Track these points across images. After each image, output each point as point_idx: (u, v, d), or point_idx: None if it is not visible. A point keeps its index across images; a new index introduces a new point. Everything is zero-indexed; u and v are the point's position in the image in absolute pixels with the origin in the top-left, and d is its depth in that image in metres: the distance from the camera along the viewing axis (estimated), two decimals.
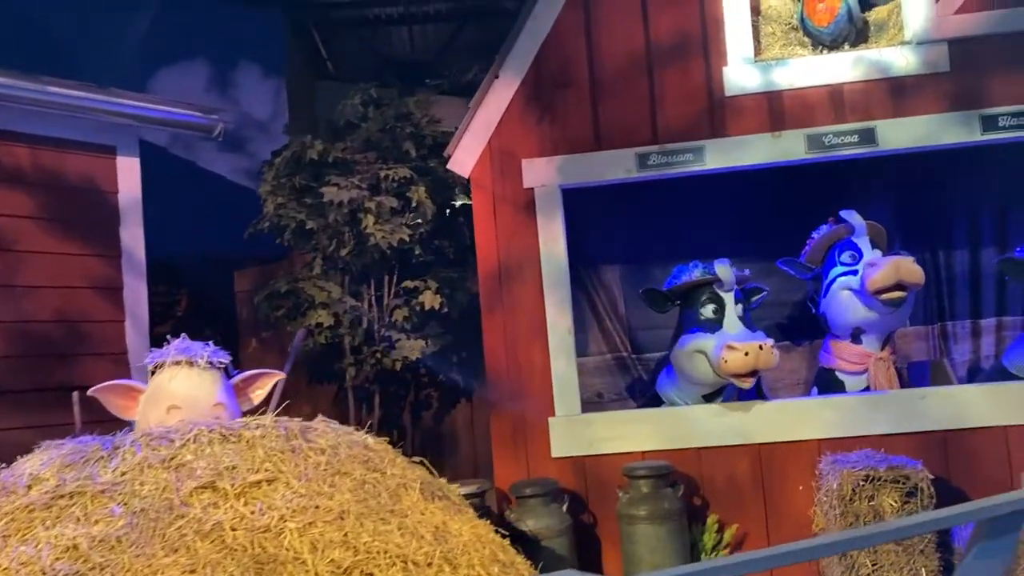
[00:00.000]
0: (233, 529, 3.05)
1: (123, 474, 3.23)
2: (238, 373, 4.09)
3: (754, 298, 5.76)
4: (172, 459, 3.28)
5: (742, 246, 6.21)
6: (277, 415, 3.67)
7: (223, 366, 3.93)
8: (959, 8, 5.24)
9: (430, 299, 5.89)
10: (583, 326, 6.52)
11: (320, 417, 3.81)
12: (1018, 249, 5.55)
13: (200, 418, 3.60)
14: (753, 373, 5.23)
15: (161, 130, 6.36)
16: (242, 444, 3.38)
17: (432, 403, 6.97)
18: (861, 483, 4.64)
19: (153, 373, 3.95)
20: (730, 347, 5.14)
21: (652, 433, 5.37)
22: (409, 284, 5.99)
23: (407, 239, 5.75)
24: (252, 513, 3.12)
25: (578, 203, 6.17)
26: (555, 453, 5.43)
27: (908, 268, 5.19)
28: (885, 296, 5.25)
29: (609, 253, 6.57)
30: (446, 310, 5.99)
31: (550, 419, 5.44)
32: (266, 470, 3.29)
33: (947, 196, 6.35)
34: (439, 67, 9.41)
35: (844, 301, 5.47)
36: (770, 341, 5.21)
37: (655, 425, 5.40)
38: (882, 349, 5.50)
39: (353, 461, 3.57)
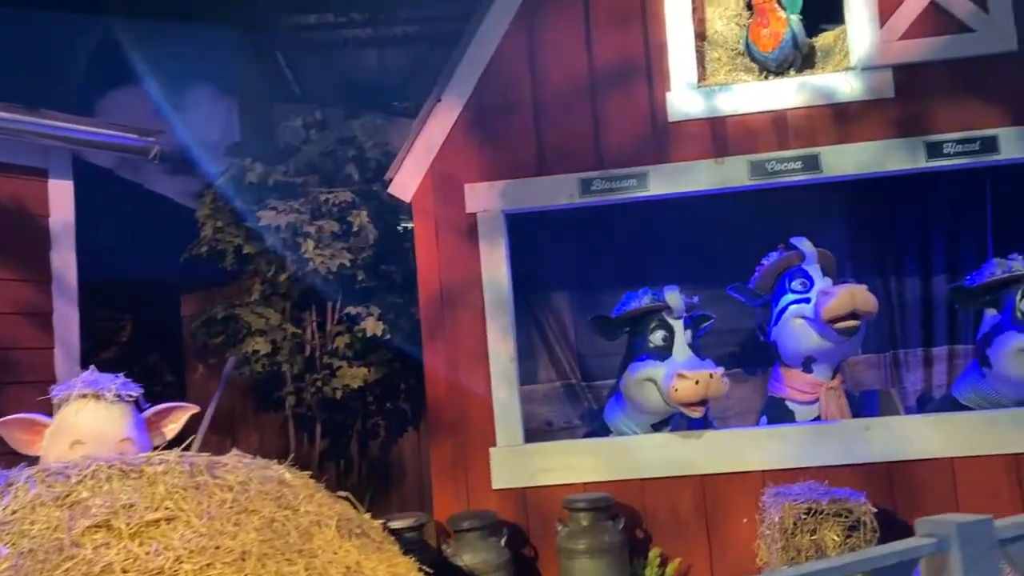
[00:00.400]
0: (124, 572, 2.91)
1: (14, 512, 3.09)
2: (150, 406, 3.96)
3: (702, 325, 5.69)
4: (67, 496, 3.14)
5: (693, 272, 6.15)
6: (185, 449, 3.53)
7: (133, 399, 3.80)
8: (903, 34, 5.22)
9: (372, 326, 5.78)
10: (532, 353, 6.44)
11: (234, 451, 3.68)
12: (968, 277, 5.51)
13: (106, 454, 3.46)
14: (703, 402, 5.15)
15: (99, 152, 6.22)
16: (143, 480, 3.24)
17: (379, 432, 6.84)
18: (803, 516, 4.55)
19: (60, 407, 3.80)
20: (680, 375, 5.06)
21: (595, 464, 5.27)
22: (352, 310, 5.87)
23: (348, 264, 5.63)
24: (147, 554, 2.98)
25: (528, 228, 6.11)
26: (496, 484, 5.31)
27: (862, 297, 5.13)
28: (840, 325, 5.17)
29: (560, 279, 6.49)
30: (388, 337, 5.86)
31: (491, 449, 5.33)
32: (166, 508, 3.16)
33: (898, 223, 6.32)
34: (408, 90, 9.35)
35: (796, 329, 5.40)
36: (720, 369, 5.13)
37: (598, 455, 5.30)
38: (833, 378, 5.42)
39: (264, 498, 3.43)
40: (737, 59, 5.70)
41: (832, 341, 5.29)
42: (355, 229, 5.71)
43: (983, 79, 5.18)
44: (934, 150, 5.18)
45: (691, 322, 5.48)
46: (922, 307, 6.27)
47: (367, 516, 3.90)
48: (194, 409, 4.04)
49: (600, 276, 6.36)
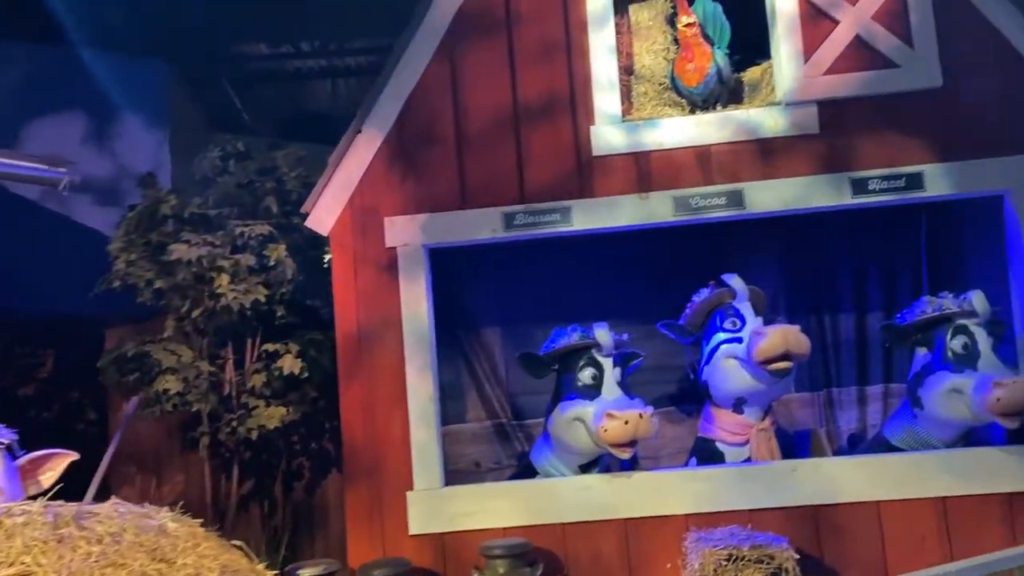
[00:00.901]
0: None
1: None
2: (25, 453, 3.74)
3: (631, 363, 5.58)
4: None
5: (626, 308, 6.07)
6: (55, 498, 3.33)
7: (5, 446, 3.59)
8: (828, 69, 5.18)
9: (290, 363, 5.61)
10: (461, 391, 6.30)
11: (113, 499, 3.48)
12: (899, 315, 5.44)
13: None
14: (633, 443, 5.02)
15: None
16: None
17: (304, 473, 6.63)
18: (723, 563, 4.41)
19: None
20: (610, 415, 4.94)
21: (515, 507, 5.11)
22: (270, 347, 5.69)
23: (263, 300, 5.46)
24: None
25: (458, 263, 6.01)
26: (413, 530, 5.13)
27: (795, 338, 5.04)
28: (772, 367, 5.07)
29: (491, 314, 6.37)
30: (307, 375, 5.68)
31: (408, 493, 5.15)
32: (21, 563, 2.95)
33: (833, 259, 6.28)
34: None
35: (728, 370, 5.29)
36: (649, 409, 5.01)
37: (518, 499, 5.14)
38: (764, 419, 5.32)
39: (137, 550, 3.23)
40: (665, 93, 5.64)
41: (764, 382, 5.19)
42: (271, 263, 5.52)
43: (909, 115, 5.15)
44: (859, 187, 5.12)
45: (620, 360, 5.37)
46: (857, 345, 6.21)
47: (261, 567, 3.70)
48: (72, 456, 3.83)
49: (533, 312, 6.24)
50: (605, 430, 4.91)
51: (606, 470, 5.37)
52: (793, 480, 4.97)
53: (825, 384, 6.19)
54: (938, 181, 5.09)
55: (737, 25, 5.61)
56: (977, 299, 5.08)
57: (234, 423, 5.66)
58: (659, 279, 6.14)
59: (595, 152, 5.30)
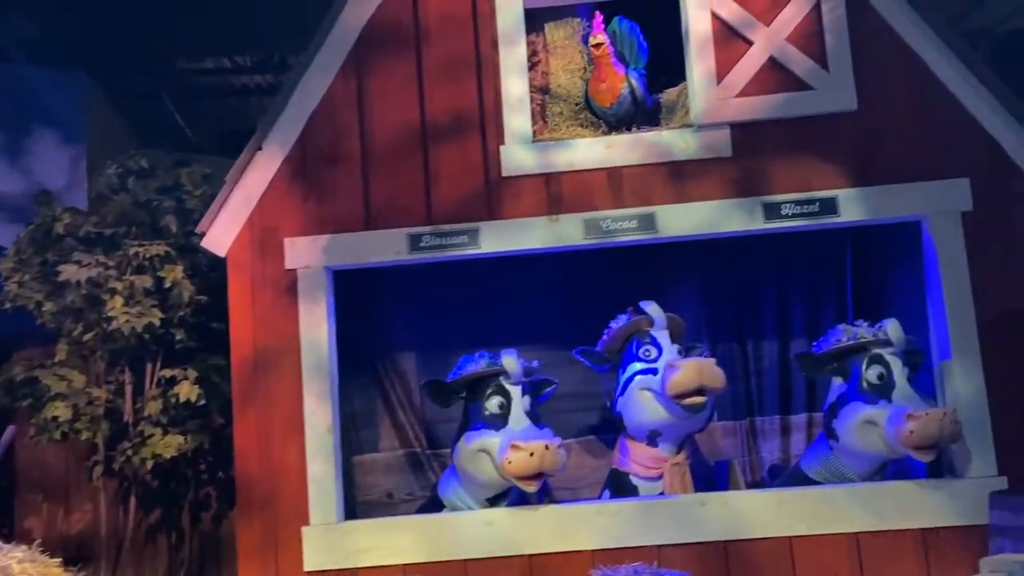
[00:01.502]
0: None
1: None
2: None
3: (543, 391, 5.41)
4: None
5: (548, 333, 5.89)
6: None
7: None
8: (741, 91, 5.08)
9: (187, 390, 5.37)
10: (374, 419, 6.08)
11: None
12: (816, 344, 5.32)
13: None
14: (539, 475, 4.84)
15: None
16: None
17: (211, 503, 6.37)
18: None
19: None
20: (515, 447, 4.76)
21: (416, 543, 4.90)
22: (167, 373, 5.46)
23: (158, 323, 5.23)
24: None
25: (374, 285, 5.84)
26: (308, 566, 4.90)
27: (710, 372, 4.90)
28: (686, 401, 4.93)
29: (406, 339, 6.15)
30: (204, 402, 5.45)
31: (303, 528, 4.93)
32: None
33: (757, 285, 6.14)
34: None
35: (642, 402, 5.14)
36: (556, 440, 4.84)
37: (419, 534, 4.93)
38: (678, 452, 5.15)
39: None
40: (581, 114, 5.52)
41: (678, 416, 5.05)
42: (167, 285, 5.30)
43: (823, 138, 5.05)
44: (772, 211, 5.01)
45: (530, 388, 5.20)
46: (780, 373, 6.07)
47: None
48: None
49: (451, 336, 6.04)
50: (510, 462, 4.74)
51: (517, 503, 5.19)
52: (702, 514, 4.81)
53: (748, 413, 6.04)
54: (853, 206, 4.99)
55: (660, 46, 5.51)
56: (892, 328, 4.97)
57: (128, 452, 5.40)
58: (583, 304, 5.97)
59: (504, 173, 5.15)
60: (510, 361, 5.09)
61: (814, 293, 6.11)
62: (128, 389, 5.59)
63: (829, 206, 4.99)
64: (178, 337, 5.55)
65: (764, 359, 6.09)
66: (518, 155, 5.15)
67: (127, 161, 5.75)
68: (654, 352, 5.22)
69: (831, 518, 4.76)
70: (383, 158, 5.22)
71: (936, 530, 4.73)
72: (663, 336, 5.28)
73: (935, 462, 4.84)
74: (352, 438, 6.02)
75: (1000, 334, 4.85)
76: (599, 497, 5.43)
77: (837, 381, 5.15)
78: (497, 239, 5.11)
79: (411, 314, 6.14)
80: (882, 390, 4.87)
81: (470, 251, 5.12)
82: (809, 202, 4.99)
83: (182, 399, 5.36)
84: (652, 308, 5.35)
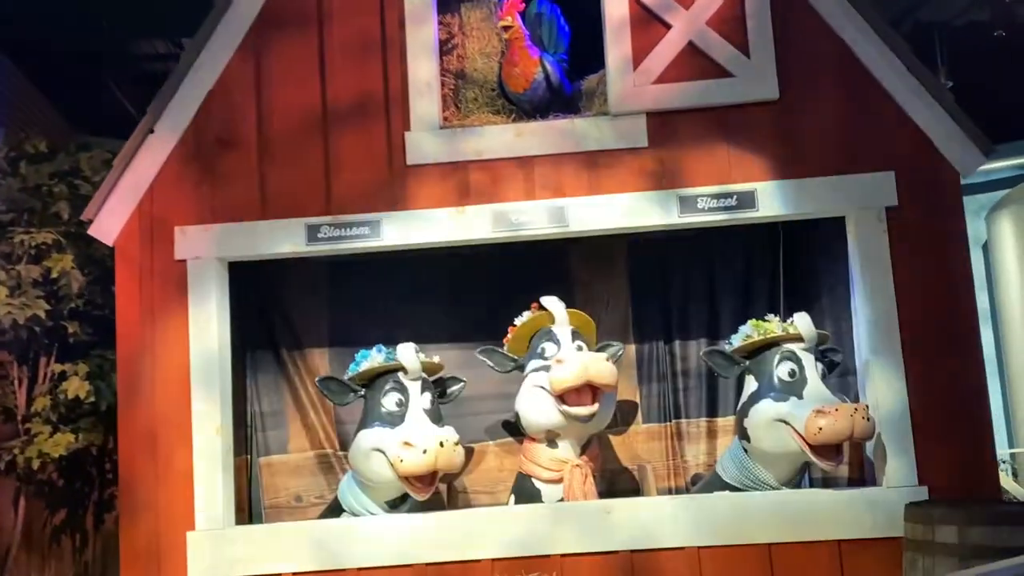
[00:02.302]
0: None
1: None
2: None
3: (451, 389, 5.20)
4: None
5: (468, 330, 5.67)
6: None
7: None
8: (658, 77, 4.86)
9: (76, 386, 5.12)
10: (283, 420, 5.82)
11: None
12: (728, 341, 5.12)
13: None
14: (433, 477, 4.63)
15: None
16: None
17: (115, 504, 6.11)
18: None
19: None
20: (407, 444, 4.54)
21: (307, 551, 4.68)
22: (57, 368, 5.20)
23: (43, 315, 4.97)
24: None
25: (286, 277, 5.64)
26: (192, 574, 4.66)
27: (597, 367, 4.67)
28: (571, 411, 4.71)
29: (318, 336, 5.90)
30: (93, 399, 5.20)
31: (188, 534, 4.69)
32: None
33: (687, 280, 5.91)
34: None
35: (535, 401, 4.92)
36: (453, 437, 4.61)
37: (311, 541, 4.70)
38: (582, 454, 4.93)
39: None
40: (498, 100, 5.29)
41: (567, 416, 4.81)
42: (54, 276, 5.03)
43: (743, 129, 4.84)
44: (688, 205, 4.79)
45: (431, 384, 4.99)
46: (708, 374, 5.86)
47: None
48: None
49: (367, 333, 5.79)
50: (401, 460, 4.52)
51: (420, 508, 4.97)
52: (608, 523, 4.60)
53: (675, 415, 5.82)
54: (772, 200, 4.78)
55: (585, 30, 5.28)
56: (801, 322, 4.77)
57: (15, 450, 5.14)
58: (507, 298, 5.75)
59: (409, 161, 4.92)
60: (406, 355, 4.88)
61: (745, 288, 5.88)
62: (19, 384, 5.32)
63: (747, 200, 4.78)
64: (71, 330, 5.28)
65: (691, 359, 5.86)
66: (424, 142, 4.92)
67: (22, 143, 5.47)
68: (552, 349, 5.01)
69: (742, 528, 4.56)
70: (281, 144, 4.97)
71: (853, 542, 4.53)
72: (564, 333, 5.07)
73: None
74: (260, 439, 5.79)
75: (924, 336, 4.66)
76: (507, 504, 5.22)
77: (750, 380, 4.96)
78: (400, 231, 4.88)
79: (325, 309, 5.89)
80: (793, 387, 4.68)
81: (371, 243, 4.88)
82: (726, 196, 4.78)
83: (71, 396, 5.09)
84: (551, 303, 5.12)
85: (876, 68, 4.82)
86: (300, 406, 5.85)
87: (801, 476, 4.93)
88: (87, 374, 5.24)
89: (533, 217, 4.83)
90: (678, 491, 5.61)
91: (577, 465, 4.87)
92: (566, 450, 4.93)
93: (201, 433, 4.75)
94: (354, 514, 4.99)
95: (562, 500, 4.89)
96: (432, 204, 4.89)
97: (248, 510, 5.69)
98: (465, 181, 4.90)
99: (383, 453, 4.70)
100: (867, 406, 4.54)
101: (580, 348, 4.96)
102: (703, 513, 4.60)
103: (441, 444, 4.54)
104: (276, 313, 5.91)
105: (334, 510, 5.13)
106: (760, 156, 4.82)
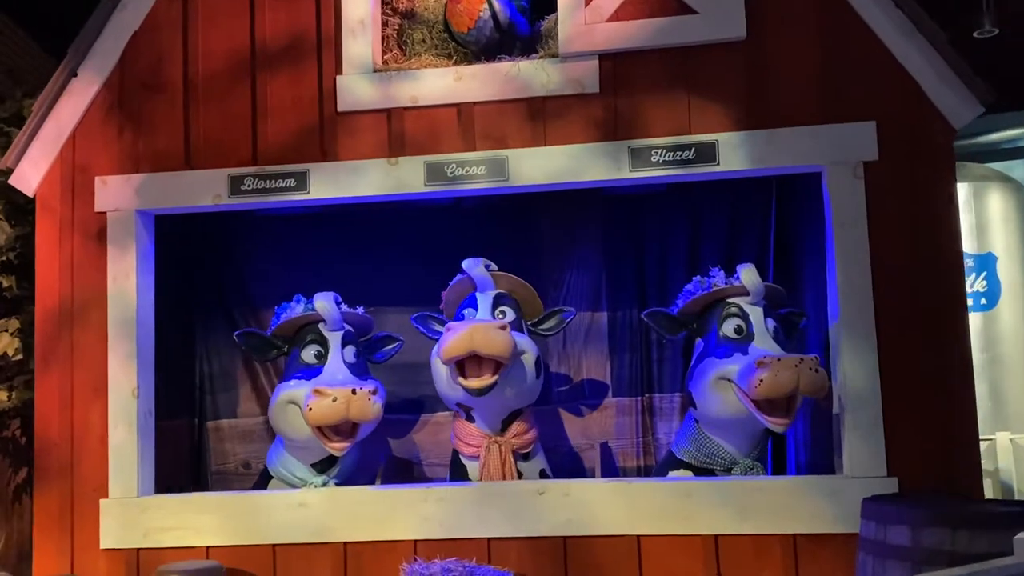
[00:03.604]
0: None
1: None
2: None
3: (385, 348, 4.97)
4: None
5: (434, 290, 5.37)
6: None
7: None
8: (612, 15, 4.44)
9: (5, 343, 4.99)
10: (233, 383, 5.65)
11: None
12: (675, 304, 4.75)
13: None
14: (352, 429, 4.43)
15: None
16: None
17: None
18: None
19: None
20: (317, 391, 4.33)
21: (222, 524, 4.48)
22: None
23: None
24: None
25: (232, 233, 5.47)
26: (104, 544, 4.52)
27: (484, 336, 4.26)
28: (465, 383, 4.37)
29: (269, 295, 5.65)
30: (21, 357, 5.07)
31: (102, 501, 4.53)
32: None
33: (663, 241, 5.50)
34: None
35: (438, 372, 4.63)
36: (370, 387, 4.34)
37: (226, 514, 4.50)
38: (503, 431, 4.61)
39: None
40: (449, 44, 4.92)
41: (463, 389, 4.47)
42: None
43: (705, 73, 4.40)
44: (640, 158, 4.38)
45: (354, 336, 4.79)
46: (684, 344, 5.46)
47: None
48: None
49: (319, 290, 5.56)
50: (310, 409, 4.30)
51: (352, 470, 4.74)
52: (539, 505, 4.29)
53: (647, 389, 5.45)
54: (735, 153, 4.34)
55: None
56: (746, 275, 4.42)
57: None
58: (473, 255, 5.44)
59: (341, 107, 4.61)
60: (323, 305, 4.67)
61: (730, 248, 5.45)
62: None
63: (707, 153, 4.34)
64: (6, 284, 5.15)
65: None
66: (356, 87, 4.60)
67: None
68: (472, 316, 4.69)
69: (685, 516, 4.20)
70: (207, 89, 4.72)
71: (809, 537, 4.13)
72: (485, 299, 4.74)
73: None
74: (209, 402, 5.63)
75: (899, 307, 4.19)
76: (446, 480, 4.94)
77: (699, 343, 4.59)
78: (328, 184, 4.58)
79: (279, 266, 5.66)
80: (739, 344, 4.30)
81: (297, 197, 4.60)
82: (683, 148, 4.35)
83: None
84: (470, 265, 4.78)
85: (859, 2, 4.31)
86: (250, 369, 5.66)
87: (762, 449, 4.55)
88: (18, 330, 5.10)
89: (471, 170, 4.48)
90: (646, 471, 5.27)
91: (495, 441, 4.55)
92: (484, 424, 4.63)
93: (117, 395, 4.57)
94: (282, 481, 4.79)
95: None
96: (363, 155, 4.58)
97: (197, 477, 5.56)
98: (400, 130, 4.57)
99: (296, 405, 4.50)
100: (816, 357, 4.16)
101: (503, 315, 4.63)
102: (643, 498, 4.25)
103: (353, 392, 4.30)
104: (227, 270, 5.72)
105: (264, 478, 4.93)
106: (723, 104, 4.37)
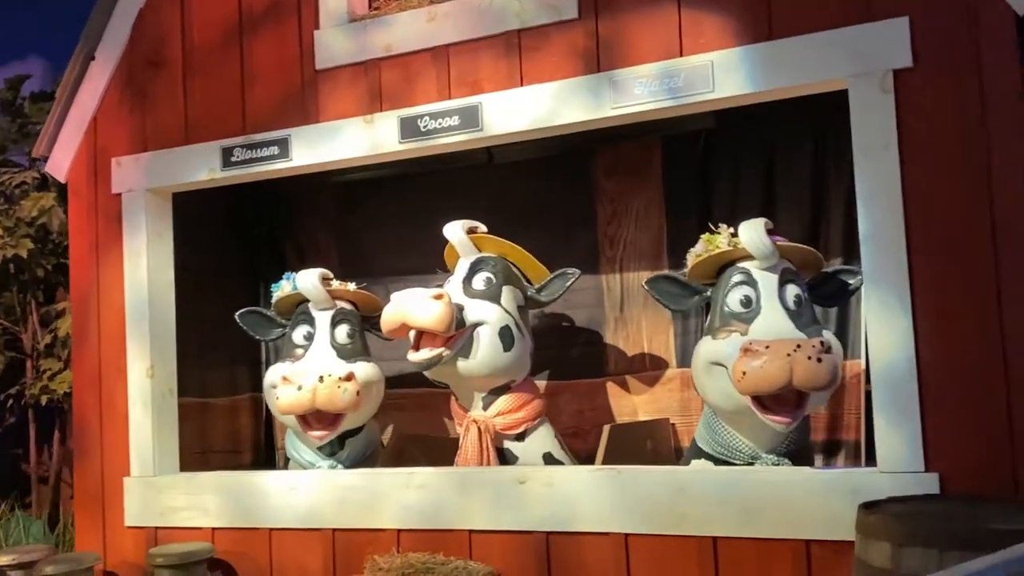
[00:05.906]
0: None
1: None
2: None
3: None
4: None
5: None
6: None
7: None
8: None
9: (68, 324, 5.37)
10: (248, 358, 5.72)
11: None
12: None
13: None
14: (335, 418, 4.30)
15: None
16: None
17: None
18: None
19: None
20: (284, 379, 4.26)
21: (224, 505, 4.55)
22: (57, 307, 5.49)
23: (25, 255, 5.23)
24: None
25: (294, 202, 5.67)
26: (129, 522, 4.75)
27: (415, 308, 3.96)
28: (409, 356, 4.12)
29: (330, 264, 5.66)
30: None
31: (125, 479, 4.76)
32: None
33: (736, 185, 4.88)
34: None
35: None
36: (340, 372, 4.22)
37: (228, 495, 4.55)
38: (487, 408, 4.25)
39: None
40: None
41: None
42: (34, 215, 5.27)
43: None
44: (622, 91, 3.83)
45: (354, 316, 4.64)
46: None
47: None
48: None
49: (373, 262, 5.48)
50: (278, 398, 4.22)
51: (360, 454, 4.62)
52: (521, 496, 3.93)
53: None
54: (734, 75, 3.66)
55: None
56: (745, 231, 3.70)
57: (29, 389, 5.54)
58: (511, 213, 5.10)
59: (319, 64, 4.45)
60: (303, 282, 4.56)
61: (814, 192, 4.70)
62: (32, 321, 5.69)
63: (699, 78, 3.70)
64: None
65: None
66: (333, 41, 4.42)
67: (22, 80, 5.76)
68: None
69: (681, 514, 3.66)
70: (202, 61, 4.75)
71: (826, 544, 3.46)
72: (461, 266, 4.43)
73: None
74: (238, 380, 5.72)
75: (944, 264, 3.36)
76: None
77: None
78: (308, 149, 4.45)
79: (337, 235, 5.67)
80: (747, 320, 3.65)
81: (280, 164, 4.51)
82: (671, 74, 3.74)
83: (61, 334, 5.36)
84: (450, 230, 4.45)
85: None
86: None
87: (794, 442, 3.87)
88: None
89: (444, 122, 4.16)
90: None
91: (474, 420, 4.20)
92: (464, 399, 4.33)
93: (134, 375, 4.76)
94: (296, 464, 4.77)
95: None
96: (342, 115, 4.39)
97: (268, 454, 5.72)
98: (376, 83, 4.34)
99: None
100: (821, 342, 3.44)
101: (490, 281, 4.26)
102: (633, 491, 3.75)
103: (320, 379, 4.16)
104: (287, 241, 5.79)
105: (288, 460, 4.95)
106: (720, 15, 3.71)
